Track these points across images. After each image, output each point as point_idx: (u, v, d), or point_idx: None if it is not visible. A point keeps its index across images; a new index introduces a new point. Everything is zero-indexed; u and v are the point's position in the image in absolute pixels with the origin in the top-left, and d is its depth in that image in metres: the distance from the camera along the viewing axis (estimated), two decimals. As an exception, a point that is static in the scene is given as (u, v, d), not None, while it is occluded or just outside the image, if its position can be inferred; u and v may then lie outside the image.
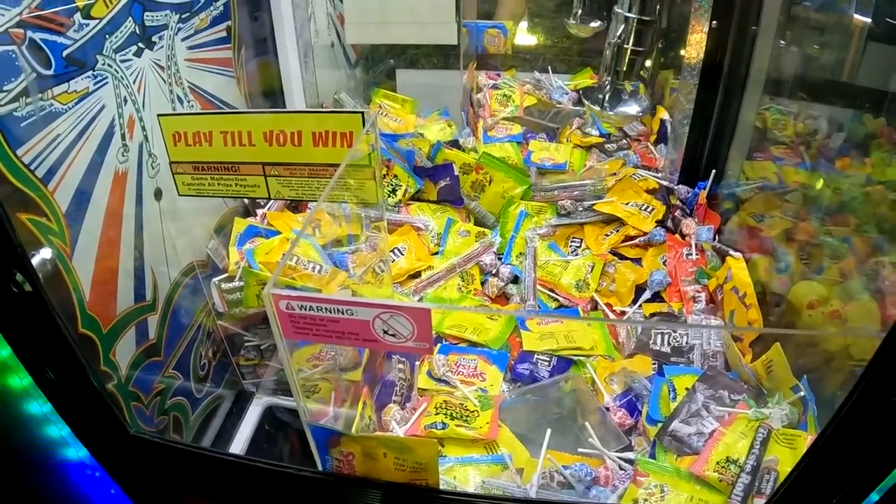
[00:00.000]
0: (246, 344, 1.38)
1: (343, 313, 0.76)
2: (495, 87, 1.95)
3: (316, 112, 1.10)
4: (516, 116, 1.85)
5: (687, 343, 1.28)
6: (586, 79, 1.94)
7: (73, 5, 0.99)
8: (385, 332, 0.76)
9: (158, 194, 1.21)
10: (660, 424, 1.10)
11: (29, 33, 0.90)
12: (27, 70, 0.91)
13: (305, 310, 0.77)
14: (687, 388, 1.14)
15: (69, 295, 1.01)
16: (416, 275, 1.46)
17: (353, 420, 1.09)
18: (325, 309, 0.76)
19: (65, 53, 0.97)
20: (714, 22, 1.39)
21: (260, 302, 1.29)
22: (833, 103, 1.22)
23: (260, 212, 1.46)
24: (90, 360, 1.05)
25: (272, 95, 1.64)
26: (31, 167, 0.93)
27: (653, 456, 1.08)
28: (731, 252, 1.36)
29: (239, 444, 1.35)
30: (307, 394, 1.19)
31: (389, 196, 1.53)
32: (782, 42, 1.34)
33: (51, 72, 0.95)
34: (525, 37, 2.07)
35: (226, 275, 1.33)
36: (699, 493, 1.00)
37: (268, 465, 0.98)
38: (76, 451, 1.03)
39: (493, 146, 1.74)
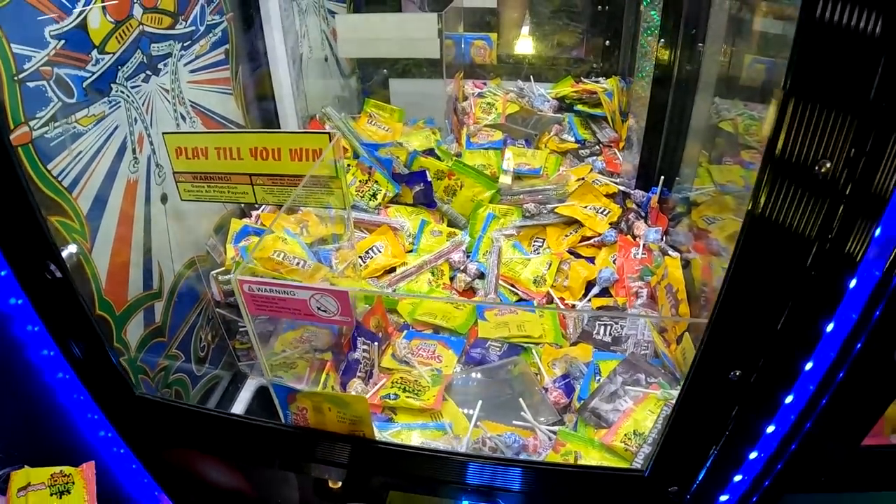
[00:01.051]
0: (241, 329, 1.70)
1: (287, 294, 1.08)
2: (480, 95, 2.23)
3: (292, 133, 1.42)
4: (498, 123, 2.14)
5: (625, 334, 1.56)
6: (567, 87, 2.22)
7: (91, 43, 1.29)
8: (318, 309, 1.08)
9: (164, 198, 1.53)
10: (586, 402, 1.39)
11: (55, 70, 1.20)
12: (55, 100, 1.21)
13: (262, 291, 1.09)
14: (611, 370, 1.42)
15: (88, 283, 1.31)
16: (393, 270, 1.76)
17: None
18: (275, 290, 1.08)
19: (84, 84, 1.27)
20: (661, 40, 1.66)
21: (251, 292, 1.61)
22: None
23: (255, 213, 1.78)
24: (106, 338, 1.38)
25: (267, 108, 1.96)
26: (59, 178, 1.23)
27: (575, 429, 1.36)
28: (670, 252, 1.63)
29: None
30: (286, 370, 1.51)
31: (370, 199, 1.84)
32: (728, 55, 1.58)
33: (73, 100, 1.25)
34: (510, 47, 2.34)
35: (223, 268, 1.65)
36: (607, 459, 1.27)
37: (242, 419, 1.31)
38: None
39: (475, 152, 2.04)
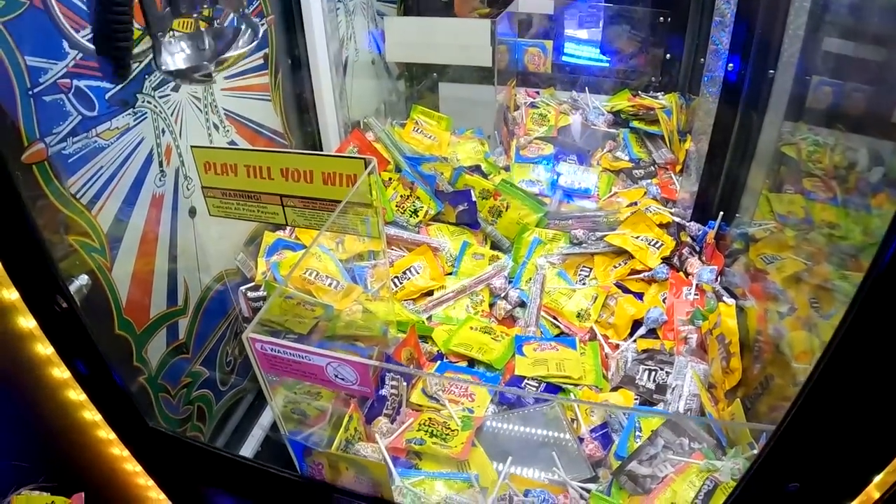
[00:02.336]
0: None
1: (302, 358, 0.93)
2: (533, 105, 2.04)
3: (325, 155, 1.26)
4: (550, 137, 1.94)
5: (671, 382, 1.38)
6: (624, 100, 2.00)
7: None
8: (336, 377, 0.93)
9: (193, 212, 1.39)
10: (624, 462, 1.22)
11: (75, 82, 1.07)
12: (73, 114, 1.08)
13: (276, 352, 0.95)
14: (652, 431, 1.25)
15: (108, 303, 1.19)
16: (430, 293, 1.60)
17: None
18: (290, 353, 0.93)
19: (107, 96, 1.14)
20: (730, 64, 1.45)
21: (280, 311, 1.47)
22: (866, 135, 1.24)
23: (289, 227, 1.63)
24: (125, 357, 1.26)
25: (307, 116, 1.80)
26: (77, 196, 1.10)
27: (609, 492, 1.20)
28: (725, 298, 1.43)
29: (257, 435, 1.55)
30: (311, 398, 1.37)
31: (411, 216, 1.68)
32: (803, 84, 1.37)
33: (94, 113, 1.12)
34: (565, 56, 2.13)
35: (252, 283, 1.52)
36: (640, 534, 1.12)
37: (254, 464, 1.18)
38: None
39: (524, 166, 1.85)
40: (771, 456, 0.79)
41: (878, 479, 0.79)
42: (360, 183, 1.21)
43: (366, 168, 1.20)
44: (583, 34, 2.13)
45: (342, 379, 0.92)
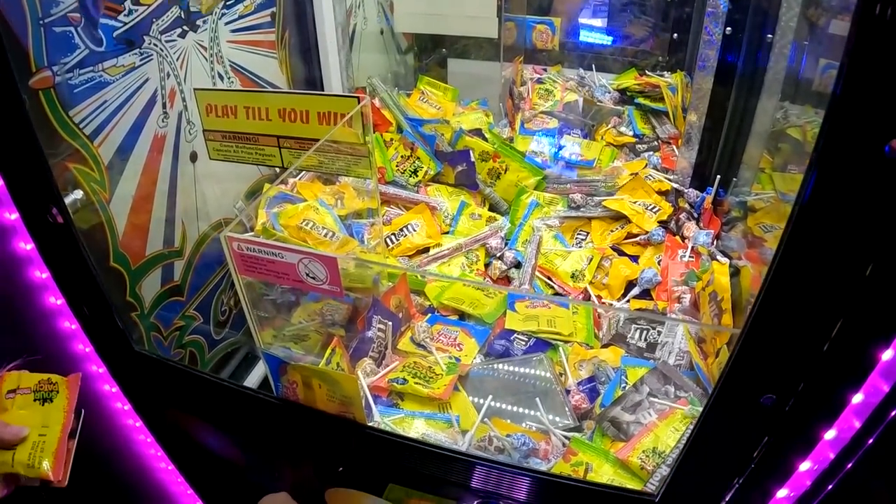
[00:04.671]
0: (264, 298, 1.58)
1: (276, 255, 0.95)
2: (539, 81, 2.05)
3: (320, 95, 1.29)
4: (555, 111, 1.96)
5: (661, 340, 1.37)
6: (630, 79, 2.01)
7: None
8: (307, 275, 0.95)
9: (194, 157, 1.42)
10: (609, 410, 1.21)
11: (85, 17, 1.11)
12: (81, 47, 1.11)
13: (251, 251, 0.97)
14: (638, 378, 1.24)
15: (104, 233, 1.22)
16: (426, 251, 1.61)
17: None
18: (263, 251, 0.96)
19: (115, 34, 1.18)
20: (728, 28, 1.45)
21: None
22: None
23: (291, 181, 1.66)
24: (118, 291, 1.28)
25: (312, 77, 1.82)
26: (80, 125, 1.14)
27: (591, 438, 1.19)
28: (720, 257, 1.43)
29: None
30: (297, 341, 1.38)
31: (411, 176, 1.69)
32: (799, 50, 1.37)
33: (102, 49, 1.15)
34: (573, 34, 2.16)
35: (251, 233, 1.54)
36: (619, 476, 1.10)
37: (227, 384, 1.20)
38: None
39: (528, 138, 1.87)
40: (740, 359, 0.77)
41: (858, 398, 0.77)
42: (346, 118, 1.23)
43: (358, 104, 1.23)
44: (596, 22, 2.16)
45: (313, 277, 0.94)
